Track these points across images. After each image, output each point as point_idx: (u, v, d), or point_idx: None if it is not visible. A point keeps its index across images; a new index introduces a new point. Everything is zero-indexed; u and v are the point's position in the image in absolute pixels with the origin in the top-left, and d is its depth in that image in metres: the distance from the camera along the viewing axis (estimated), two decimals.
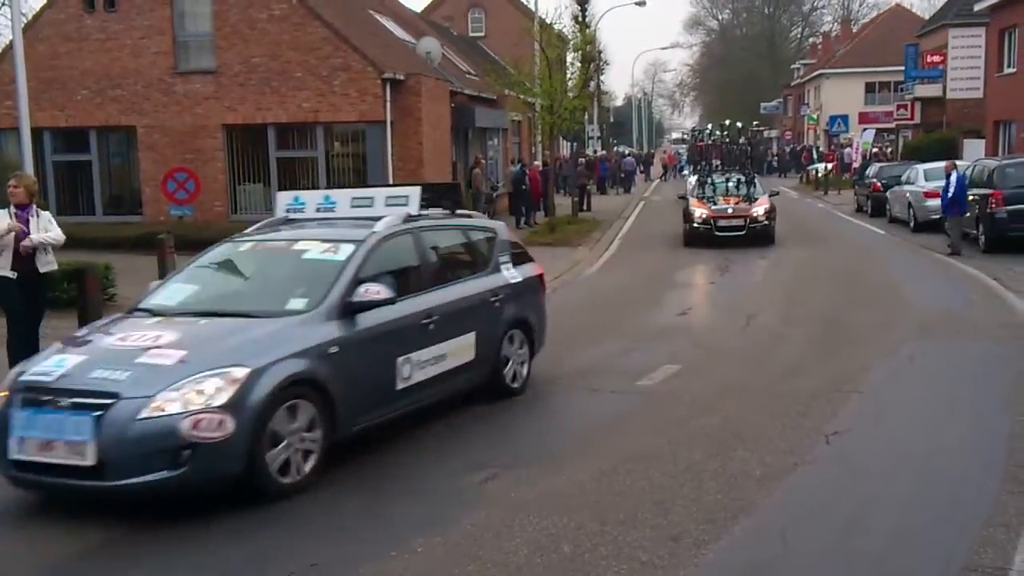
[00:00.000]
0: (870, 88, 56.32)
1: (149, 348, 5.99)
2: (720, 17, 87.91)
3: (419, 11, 40.81)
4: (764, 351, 10.47)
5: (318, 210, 8.20)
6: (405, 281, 7.37)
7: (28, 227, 8.64)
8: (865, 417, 7.76)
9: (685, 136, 39.78)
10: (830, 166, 43.23)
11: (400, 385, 6.98)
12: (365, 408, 6.71)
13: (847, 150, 46.08)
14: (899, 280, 15.60)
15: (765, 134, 72.81)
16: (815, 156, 51.53)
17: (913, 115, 41.37)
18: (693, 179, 23.43)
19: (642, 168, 58.88)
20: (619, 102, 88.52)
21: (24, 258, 8.65)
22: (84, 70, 22.58)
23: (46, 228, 8.81)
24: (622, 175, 45.93)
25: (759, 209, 20.63)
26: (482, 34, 44.26)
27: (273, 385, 5.85)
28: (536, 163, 29.28)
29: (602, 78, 50.00)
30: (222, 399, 5.63)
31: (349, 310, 6.59)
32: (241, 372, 5.76)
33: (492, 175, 29.79)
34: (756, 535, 5.40)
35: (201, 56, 22.62)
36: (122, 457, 5.49)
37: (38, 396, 5.75)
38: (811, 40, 79.94)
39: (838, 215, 29.70)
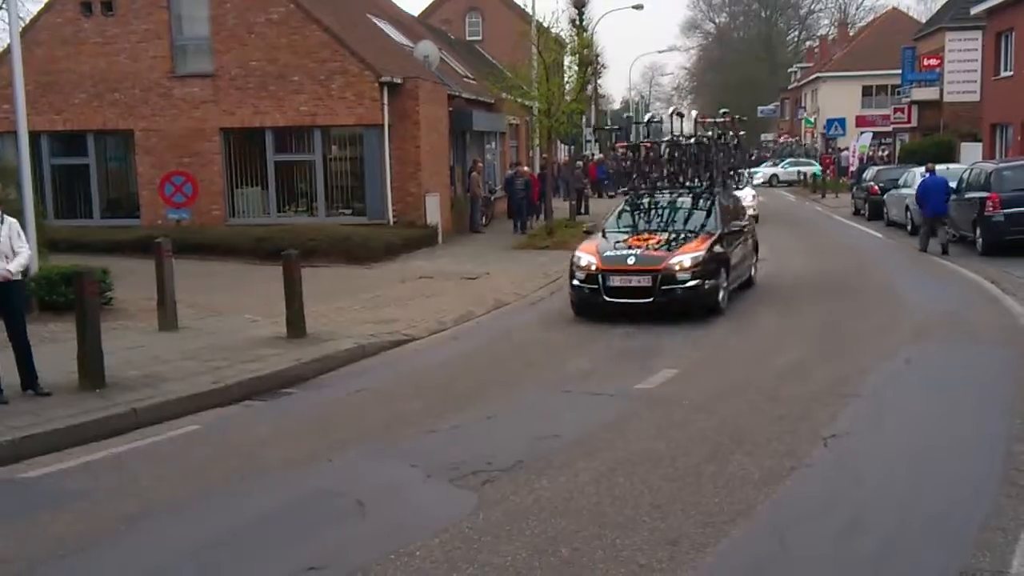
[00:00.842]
0: (867, 91, 56.43)
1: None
2: (717, 20, 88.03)
3: (417, 15, 40.83)
4: (762, 354, 10.47)
5: None
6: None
7: None
8: (863, 420, 7.77)
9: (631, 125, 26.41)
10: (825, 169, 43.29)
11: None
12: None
13: (844, 153, 46.14)
14: (897, 283, 15.61)
15: (762, 137, 72.92)
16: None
17: (910, 118, 41.45)
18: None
19: None
20: (617, 105, 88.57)
21: None
22: (82, 74, 22.57)
23: (12, 240, 8.50)
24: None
25: (683, 258, 12.41)
26: (479, 38, 44.28)
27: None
28: (525, 168, 29.04)
29: (599, 82, 50.04)
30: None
31: None
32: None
33: (490, 179, 29.82)
34: (755, 538, 5.40)
35: (199, 60, 22.62)
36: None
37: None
38: (808, 44, 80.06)
39: (836, 218, 29.73)
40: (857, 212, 29.64)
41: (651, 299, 12.20)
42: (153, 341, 11.24)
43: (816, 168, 46.80)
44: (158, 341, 11.24)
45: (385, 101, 21.76)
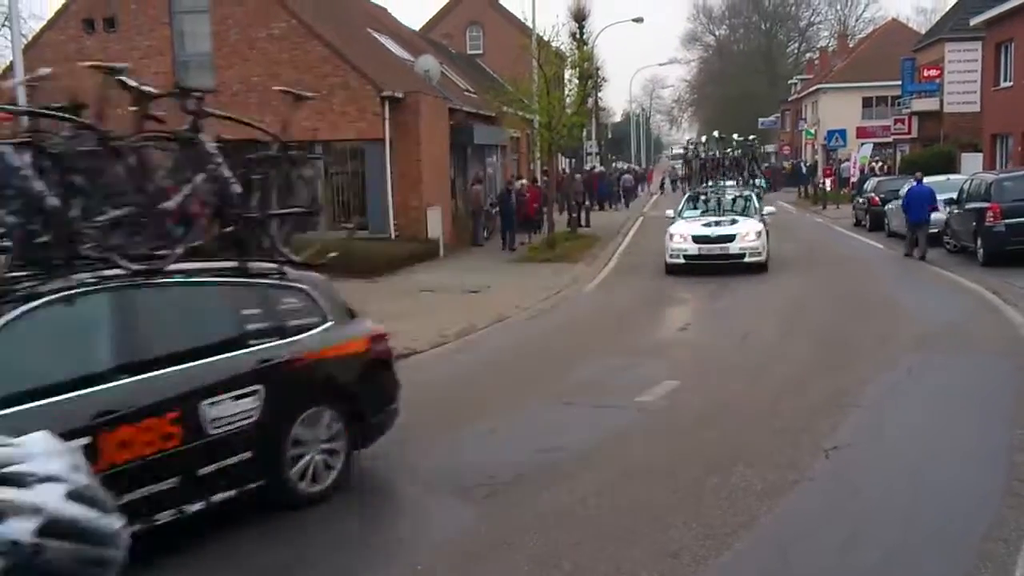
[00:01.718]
0: (867, 103, 56.48)
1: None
2: (717, 33, 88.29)
3: (417, 29, 40.98)
4: (763, 366, 10.47)
5: None
6: None
7: None
8: (865, 432, 7.77)
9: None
10: (828, 181, 43.36)
11: None
12: None
13: (845, 164, 46.18)
14: (898, 294, 15.62)
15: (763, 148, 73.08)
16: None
17: (910, 129, 41.48)
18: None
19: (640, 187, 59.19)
20: (617, 118, 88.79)
21: None
22: (84, 90, 22.62)
23: None
24: (622, 192, 46.75)
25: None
26: (480, 51, 44.42)
27: None
28: (523, 180, 28.93)
29: (600, 95, 50.19)
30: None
31: None
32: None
33: (492, 193, 29.87)
34: (756, 551, 5.40)
35: (201, 76, 22.67)
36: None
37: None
38: (808, 55, 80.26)
39: (837, 229, 29.74)
40: (858, 223, 29.64)
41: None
42: None
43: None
44: None
45: (386, 115, 21.84)
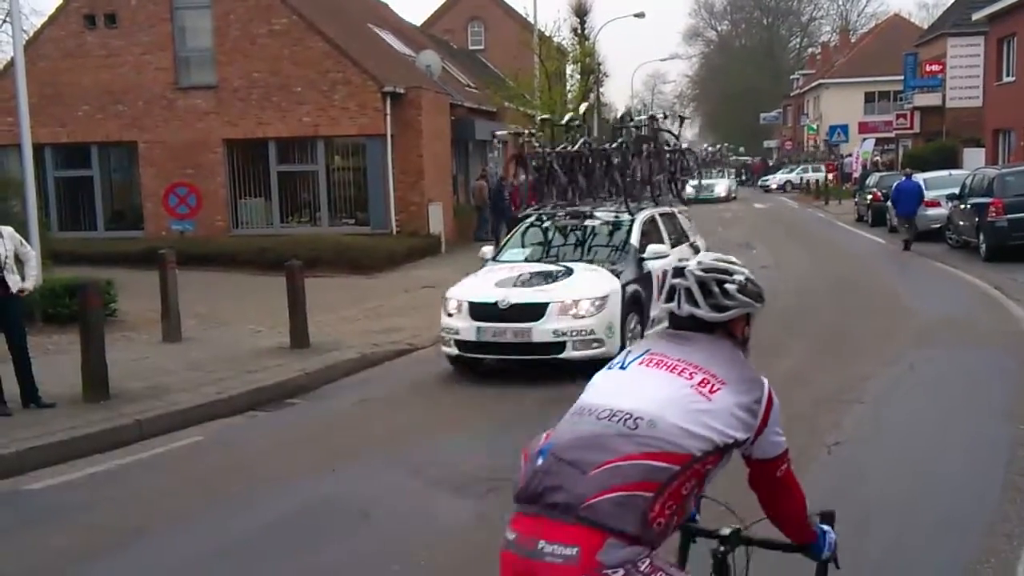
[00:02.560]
0: (869, 98, 56.43)
1: None
2: (719, 28, 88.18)
3: (419, 24, 40.93)
4: (765, 360, 10.43)
5: None
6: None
7: None
8: (867, 427, 7.75)
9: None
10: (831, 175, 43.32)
11: None
12: None
13: (847, 159, 46.11)
14: (900, 289, 15.60)
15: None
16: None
17: (913, 124, 41.45)
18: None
19: None
20: (619, 114, 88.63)
21: None
22: (85, 86, 22.65)
23: (16, 248, 8.45)
24: None
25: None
26: (482, 47, 44.36)
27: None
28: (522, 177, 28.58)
29: (602, 90, 50.07)
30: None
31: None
32: None
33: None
34: (757, 551, 5.37)
35: (202, 71, 22.70)
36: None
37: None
38: (810, 50, 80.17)
39: (839, 225, 29.71)
40: (860, 218, 29.62)
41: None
42: (157, 352, 11.26)
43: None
44: (162, 352, 11.26)
45: (388, 111, 21.81)
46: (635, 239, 10.75)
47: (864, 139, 47.33)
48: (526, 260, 10.96)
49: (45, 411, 8.35)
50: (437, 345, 12.03)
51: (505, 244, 11.91)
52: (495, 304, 9.67)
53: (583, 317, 9.53)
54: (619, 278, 9.98)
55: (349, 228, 22.22)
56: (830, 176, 43.08)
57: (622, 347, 8.84)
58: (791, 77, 74.94)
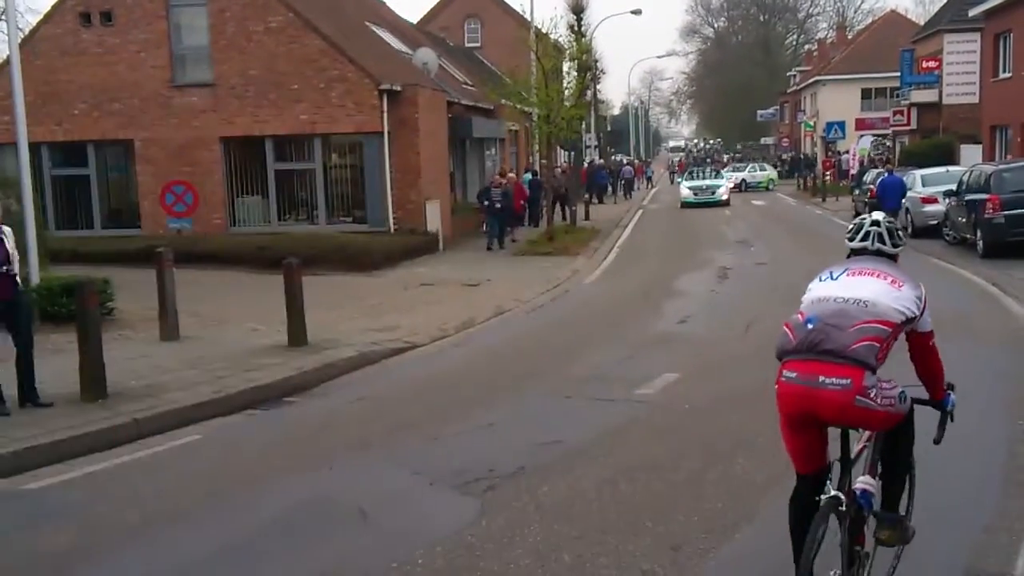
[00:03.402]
0: (866, 94, 56.38)
1: None
2: (716, 25, 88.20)
3: (415, 22, 40.89)
4: (764, 358, 10.42)
5: None
6: None
7: (7, 247, 8.41)
8: None
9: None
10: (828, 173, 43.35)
11: None
12: None
13: (844, 156, 46.11)
14: None
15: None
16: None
17: (909, 121, 41.44)
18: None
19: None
20: (616, 111, 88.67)
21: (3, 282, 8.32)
22: (81, 84, 22.61)
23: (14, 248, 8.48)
24: (622, 182, 47.52)
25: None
26: (478, 44, 44.33)
27: None
28: (509, 175, 28.11)
29: (599, 87, 50.10)
30: None
31: None
32: None
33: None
34: (758, 543, 5.38)
35: (198, 69, 22.66)
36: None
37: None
38: (807, 47, 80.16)
39: (837, 222, 29.70)
40: (858, 215, 29.59)
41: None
42: (155, 351, 11.24)
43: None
44: (160, 351, 11.24)
45: (385, 109, 21.79)
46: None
47: (861, 136, 47.33)
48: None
49: (43, 410, 8.34)
50: (435, 343, 12.07)
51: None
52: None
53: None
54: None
55: (346, 226, 22.19)
56: (827, 173, 43.08)
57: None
58: (788, 74, 74.94)
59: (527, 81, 26.01)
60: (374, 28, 27.92)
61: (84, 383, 8.74)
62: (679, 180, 43.75)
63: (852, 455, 4.22)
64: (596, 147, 48.91)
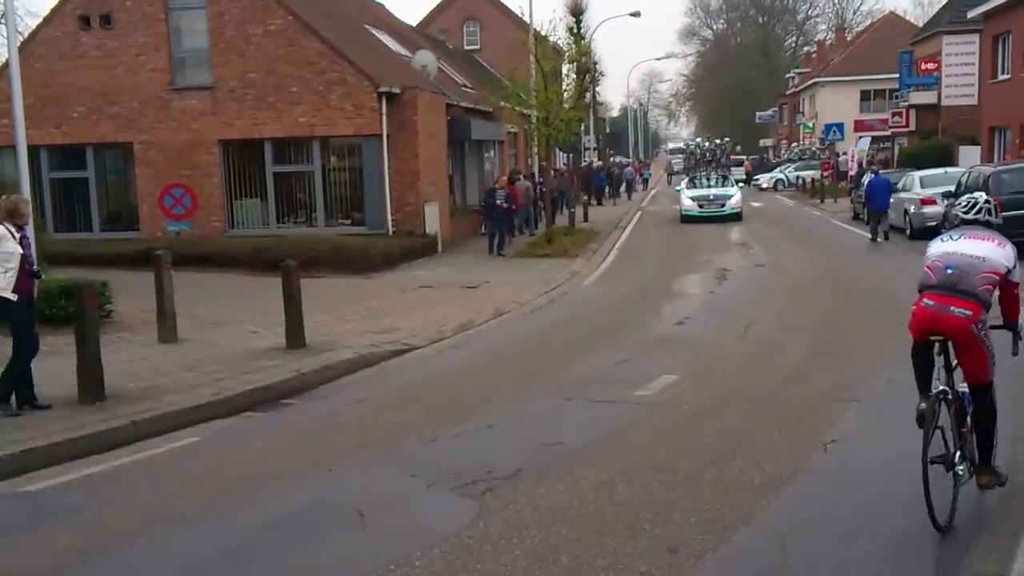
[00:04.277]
0: (865, 96, 56.45)
1: None
2: (715, 27, 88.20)
3: (414, 24, 40.91)
4: (762, 360, 10.46)
5: None
6: None
7: (28, 248, 8.52)
8: (863, 425, 7.77)
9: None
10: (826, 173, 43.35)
11: None
12: None
13: (842, 158, 46.11)
14: (897, 287, 15.56)
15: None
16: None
17: (908, 122, 41.49)
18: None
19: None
20: (615, 113, 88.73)
21: (26, 279, 8.40)
22: (80, 87, 22.61)
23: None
24: (623, 184, 48.12)
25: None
26: (477, 47, 44.37)
27: None
28: (503, 178, 27.91)
29: (598, 89, 50.11)
30: None
31: None
32: None
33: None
34: (755, 544, 5.39)
35: (197, 72, 22.67)
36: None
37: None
38: (806, 49, 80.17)
39: (835, 223, 29.71)
40: (856, 216, 29.62)
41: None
42: (153, 353, 11.24)
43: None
44: (158, 353, 11.24)
45: (383, 111, 21.80)
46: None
47: (860, 137, 47.35)
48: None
49: (41, 412, 8.34)
50: (434, 345, 12.07)
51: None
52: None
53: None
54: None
55: (345, 228, 22.20)
56: (825, 174, 43.10)
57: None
58: (787, 76, 74.97)
59: (526, 83, 26.02)
60: (373, 31, 27.93)
61: (82, 385, 8.74)
62: (679, 188, 35.23)
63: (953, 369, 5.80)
64: (595, 149, 48.91)
